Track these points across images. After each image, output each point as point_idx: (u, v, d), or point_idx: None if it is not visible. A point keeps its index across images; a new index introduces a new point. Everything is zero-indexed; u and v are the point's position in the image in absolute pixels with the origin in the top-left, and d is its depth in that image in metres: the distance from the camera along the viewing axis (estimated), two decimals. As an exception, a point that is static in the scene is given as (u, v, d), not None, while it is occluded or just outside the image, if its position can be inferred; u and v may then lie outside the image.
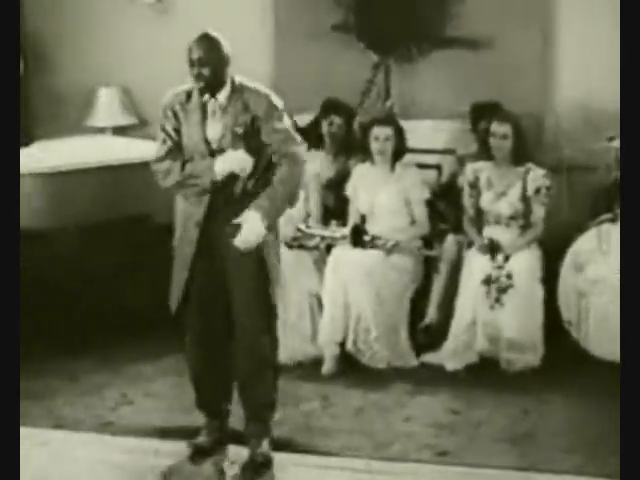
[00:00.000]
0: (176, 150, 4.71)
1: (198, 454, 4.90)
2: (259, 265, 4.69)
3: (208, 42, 4.63)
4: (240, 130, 4.64)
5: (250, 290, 4.70)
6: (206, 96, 4.67)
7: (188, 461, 4.85)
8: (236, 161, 4.61)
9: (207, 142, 4.67)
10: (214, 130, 4.68)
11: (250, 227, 4.55)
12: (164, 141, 4.73)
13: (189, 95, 4.72)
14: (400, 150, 6.21)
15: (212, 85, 4.64)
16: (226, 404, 5.00)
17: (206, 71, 4.60)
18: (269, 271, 4.73)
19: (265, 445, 4.83)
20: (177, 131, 4.72)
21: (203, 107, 4.69)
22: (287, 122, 4.77)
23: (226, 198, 4.66)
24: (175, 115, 4.72)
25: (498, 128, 6.04)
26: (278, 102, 4.75)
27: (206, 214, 4.66)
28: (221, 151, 4.64)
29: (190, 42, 4.65)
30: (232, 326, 4.77)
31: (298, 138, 4.80)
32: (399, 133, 6.19)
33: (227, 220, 4.59)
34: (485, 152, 6.17)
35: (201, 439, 4.94)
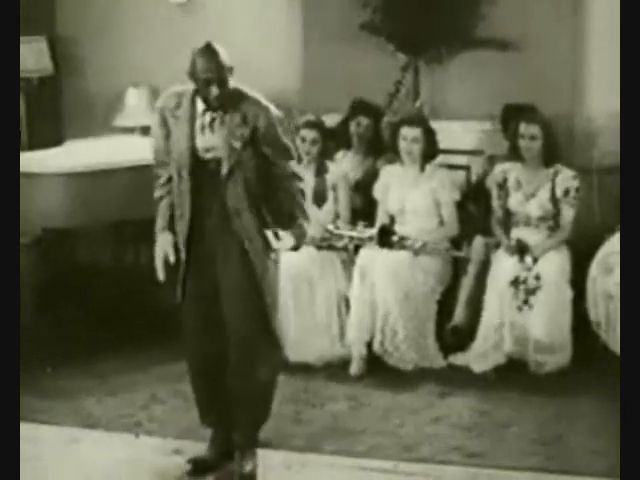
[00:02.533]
0: (163, 161, 4.65)
1: (199, 470, 4.75)
2: (248, 275, 4.60)
3: (215, 58, 4.41)
4: (238, 144, 4.49)
5: (240, 301, 4.60)
6: (202, 108, 4.51)
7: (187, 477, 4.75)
8: (157, 261, 4.62)
9: (194, 153, 4.52)
10: (207, 140, 4.52)
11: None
12: (154, 152, 4.69)
13: (179, 100, 4.55)
14: (430, 151, 6.20)
15: (222, 102, 4.46)
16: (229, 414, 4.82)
17: (215, 90, 4.40)
18: (259, 282, 4.61)
19: (251, 463, 4.73)
20: (166, 138, 4.60)
21: (192, 116, 4.52)
22: (288, 135, 4.66)
23: (211, 216, 4.59)
24: (164, 120, 4.58)
25: (527, 129, 6.02)
26: (279, 114, 4.59)
27: (189, 234, 4.59)
28: (212, 162, 4.52)
29: (195, 58, 4.43)
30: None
31: (295, 155, 4.70)
32: (429, 134, 6.17)
33: (217, 237, 4.57)
34: (514, 153, 6.15)
35: (204, 453, 4.81)
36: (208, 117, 4.52)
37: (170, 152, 4.60)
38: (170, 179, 4.64)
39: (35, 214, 6.04)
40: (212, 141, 4.53)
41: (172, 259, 4.58)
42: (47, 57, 7.59)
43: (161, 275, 4.62)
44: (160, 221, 4.67)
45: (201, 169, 4.55)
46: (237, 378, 4.66)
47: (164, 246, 4.62)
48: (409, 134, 6.15)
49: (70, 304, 6.53)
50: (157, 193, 4.71)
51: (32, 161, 6.22)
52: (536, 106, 6.33)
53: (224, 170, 4.51)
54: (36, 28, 7.42)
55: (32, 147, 7.09)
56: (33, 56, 7.40)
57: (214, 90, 4.41)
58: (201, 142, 4.53)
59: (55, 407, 5.46)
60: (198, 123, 4.53)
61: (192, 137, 4.52)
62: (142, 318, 6.30)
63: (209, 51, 4.43)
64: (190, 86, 4.55)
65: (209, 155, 4.54)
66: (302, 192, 4.73)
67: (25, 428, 5.04)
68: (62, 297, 6.54)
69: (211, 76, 4.40)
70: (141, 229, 6.39)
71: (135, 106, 7.65)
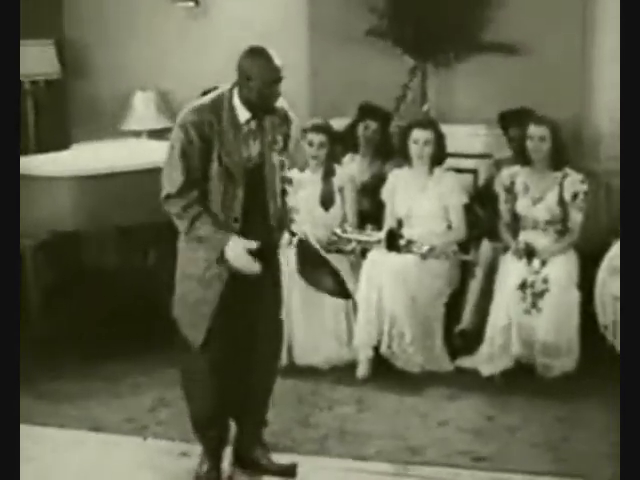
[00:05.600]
0: (193, 182, 4.39)
1: None
2: (276, 291, 4.70)
3: (272, 57, 4.36)
4: (278, 147, 4.52)
5: (271, 314, 4.70)
6: (249, 115, 4.43)
7: None
8: (247, 262, 4.40)
9: (247, 161, 4.46)
10: (250, 149, 4.48)
11: None
12: (183, 172, 4.37)
13: (216, 113, 4.40)
14: (439, 155, 6.20)
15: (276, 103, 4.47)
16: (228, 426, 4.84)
17: (279, 89, 4.40)
18: (281, 293, 4.74)
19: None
20: (203, 154, 4.39)
21: (237, 126, 4.42)
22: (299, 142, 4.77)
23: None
24: (203, 136, 4.38)
25: (535, 131, 6.01)
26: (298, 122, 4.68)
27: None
28: (256, 171, 4.47)
29: (253, 60, 4.34)
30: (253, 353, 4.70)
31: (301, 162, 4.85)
32: (439, 138, 6.17)
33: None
34: (521, 157, 6.15)
35: (205, 468, 4.72)
36: (254, 125, 4.48)
37: (206, 169, 4.42)
38: (195, 200, 4.42)
39: (42, 217, 6.06)
40: (255, 150, 4.49)
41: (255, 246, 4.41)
42: (55, 60, 7.61)
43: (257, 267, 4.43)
44: (215, 227, 4.41)
45: (248, 180, 4.47)
46: (263, 386, 4.78)
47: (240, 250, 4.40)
48: (421, 137, 6.15)
49: (77, 307, 6.53)
50: (192, 211, 4.40)
51: (39, 164, 6.25)
52: (540, 108, 6.32)
53: (270, 177, 4.52)
54: (44, 31, 7.44)
55: (39, 150, 7.12)
56: (41, 59, 7.42)
57: (278, 89, 4.39)
58: (245, 152, 4.47)
59: (61, 410, 5.47)
60: (243, 132, 4.46)
61: (241, 148, 4.44)
62: (148, 321, 6.29)
63: (264, 52, 4.38)
64: (211, 98, 4.47)
65: (250, 165, 4.49)
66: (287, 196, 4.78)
67: (32, 431, 5.09)
68: (69, 300, 6.55)
69: (277, 75, 4.37)
70: (148, 233, 6.40)
71: (142, 110, 7.67)
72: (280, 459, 4.82)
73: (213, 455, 4.75)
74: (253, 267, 4.40)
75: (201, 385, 4.62)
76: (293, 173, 6.33)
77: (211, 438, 4.75)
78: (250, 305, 4.57)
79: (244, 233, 4.44)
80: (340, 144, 6.56)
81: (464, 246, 6.25)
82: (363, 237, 6.12)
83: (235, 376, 4.66)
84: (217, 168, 4.41)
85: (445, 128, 6.32)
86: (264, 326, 4.66)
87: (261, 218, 4.54)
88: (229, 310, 4.50)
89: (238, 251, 4.38)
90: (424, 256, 6.02)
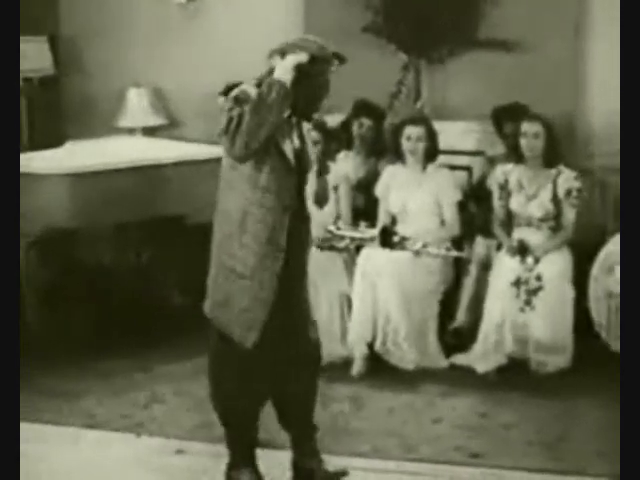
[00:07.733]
0: None
1: None
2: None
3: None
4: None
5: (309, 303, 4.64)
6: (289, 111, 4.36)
7: None
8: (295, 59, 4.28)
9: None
10: (295, 141, 4.44)
11: None
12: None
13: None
14: (432, 151, 6.21)
15: None
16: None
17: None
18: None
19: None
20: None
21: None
22: None
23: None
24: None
25: (529, 127, 6.02)
26: None
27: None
28: (300, 159, 4.45)
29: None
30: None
31: None
32: (431, 134, 6.19)
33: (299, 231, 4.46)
34: (515, 154, 6.15)
35: (247, 475, 4.58)
36: (294, 120, 4.44)
37: None
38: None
39: (37, 214, 6.05)
40: (296, 143, 4.47)
41: None
42: (48, 57, 7.59)
43: None
44: None
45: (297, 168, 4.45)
46: (310, 386, 4.70)
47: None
48: (413, 133, 6.15)
49: (72, 304, 6.52)
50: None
51: (33, 161, 6.23)
52: (534, 105, 6.33)
53: (309, 168, 4.53)
54: (38, 28, 7.43)
55: (33, 148, 7.10)
56: (34, 56, 7.41)
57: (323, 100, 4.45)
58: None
59: (56, 407, 5.46)
60: (287, 125, 4.40)
61: (288, 139, 4.41)
62: (143, 318, 6.30)
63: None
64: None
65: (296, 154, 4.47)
66: None
67: (27, 428, 5.04)
68: (64, 297, 6.54)
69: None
70: (143, 230, 6.40)
71: (137, 106, 7.66)
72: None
73: (250, 458, 4.61)
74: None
75: (243, 388, 4.46)
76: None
77: (246, 440, 4.61)
78: (296, 296, 4.51)
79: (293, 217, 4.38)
80: (334, 141, 6.56)
81: (458, 243, 6.26)
82: (357, 234, 6.11)
83: (283, 375, 4.54)
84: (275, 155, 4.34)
85: (438, 125, 6.33)
86: (307, 319, 4.58)
87: (302, 206, 4.51)
88: (278, 305, 4.39)
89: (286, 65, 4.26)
90: (418, 253, 6.03)
